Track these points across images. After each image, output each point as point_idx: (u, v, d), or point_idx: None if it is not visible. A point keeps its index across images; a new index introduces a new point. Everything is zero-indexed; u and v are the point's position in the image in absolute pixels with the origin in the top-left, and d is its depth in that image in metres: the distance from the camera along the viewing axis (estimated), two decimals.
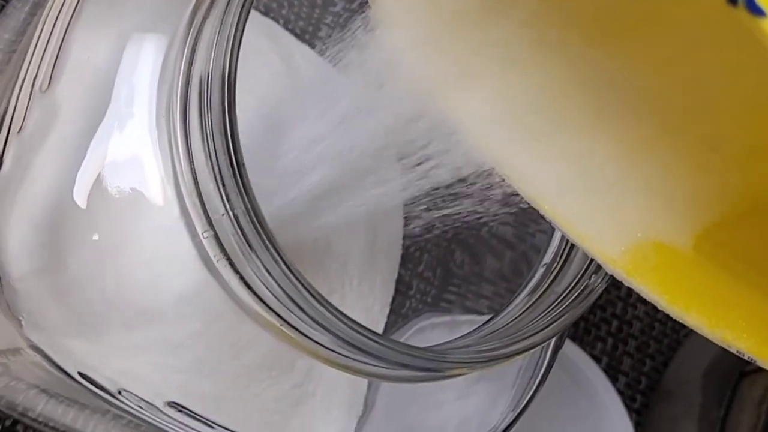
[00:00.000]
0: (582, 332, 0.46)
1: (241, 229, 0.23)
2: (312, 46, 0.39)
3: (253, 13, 0.37)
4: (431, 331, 0.38)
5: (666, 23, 0.24)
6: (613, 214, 0.26)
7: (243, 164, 0.24)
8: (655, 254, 0.25)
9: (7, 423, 0.36)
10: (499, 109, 0.26)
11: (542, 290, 0.28)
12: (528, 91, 0.26)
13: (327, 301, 0.24)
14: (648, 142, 0.25)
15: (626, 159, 0.26)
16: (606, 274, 0.27)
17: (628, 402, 0.47)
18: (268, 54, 0.36)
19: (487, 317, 0.34)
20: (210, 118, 0.24)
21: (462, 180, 0.28)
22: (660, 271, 0.25)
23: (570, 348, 0.44)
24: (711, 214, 0.26)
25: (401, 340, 0.38)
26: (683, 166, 0.25)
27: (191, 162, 0.24)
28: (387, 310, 0.38)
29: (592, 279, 0.28)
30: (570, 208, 0.26)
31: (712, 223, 0.26)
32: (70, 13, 0.27)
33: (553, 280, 0.28)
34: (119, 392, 0.26)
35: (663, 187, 0.26)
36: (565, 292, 0.28)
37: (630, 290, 0.47)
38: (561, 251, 0.29)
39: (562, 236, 0.29)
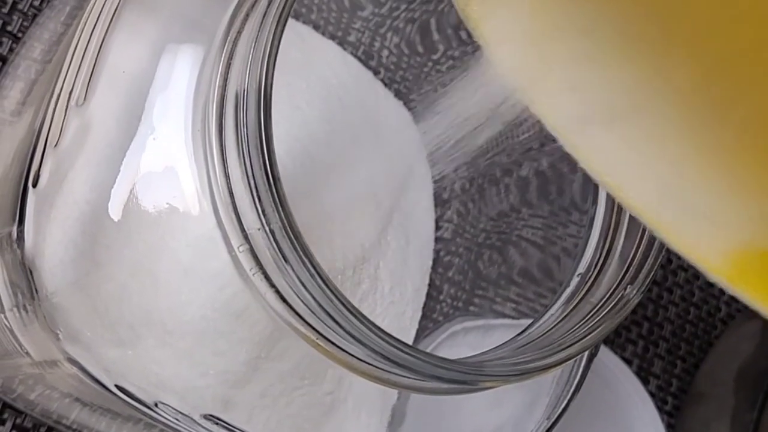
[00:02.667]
0: (613, 335, 0.46)
1: (277, 243, 0.23)
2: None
3: (290, 21, 0.37)
4: (464, 336, 0.38)
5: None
6: (715, 221, 0.25)
7: (279, 179, 0.24)
8: (759, 260, 0.25)
9: (42, 430, 0.36)
10: (590, 100, 0.25)
11: (577, 300, 0.28)
12: (622, 80, 0.25)
13: (362, 315, 0.24)
14: (748, 147, 0.25)
15: (729, 166, 0.25)
16: (642, 285, 0.27)
17: (660, 404, 0.46)
18: (303, 60, 0.36)
19: (520, 321, 0.34)
20: (246, 133, 0.24)
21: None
22: (764, 278, 0.25)
23: (601, 351, 0.44)
24: None
25: (433, 344, 0.38)
26: None
27: (227, 176, 0.24)
28: (419, 315, 0.38)
29: (628, 289, 0.28)
30: (671, 216, 0.25)
31: None
32: (107, 25, 0.27)
33: (588, 291, 0.28)
34: (156, 405, 0.26)
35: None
36: (601, 303, 0.28)
37: (661, 292, 0.47)
38: (596, 261, 0.28)
39: (597, 245, 0.29)
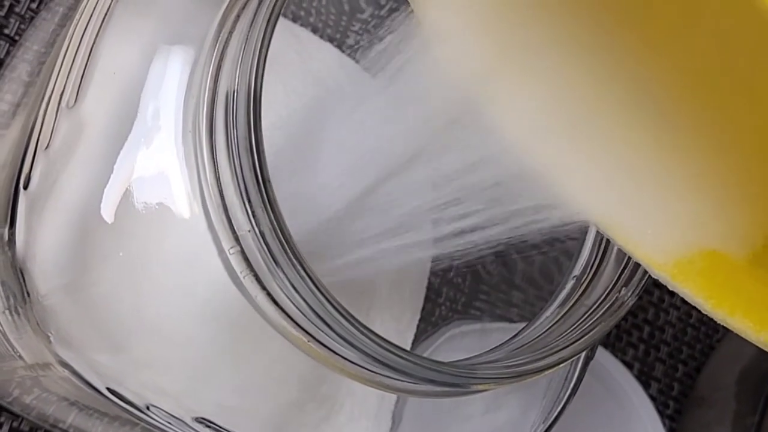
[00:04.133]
0: (614, 338, 0.46)
1: (267, 246, 0.23)
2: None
3: (283, 21, 0.37)
4: (461, 340, 0.38)
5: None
6: (665, 221, 0.25)
7: (269, 180, 0.23)
8: (702, 259, 0.25)
9: None
10: (545, 111, 0.25)
11: (572, 303, 0.28)
12: (576, 93, 0.25)
13: (354, 317, 0.24)
14: (707, 150, 0.25)
15: (683, 168, 0.25)
16: (637, 287, 0.27)
17: (661, 408, 0.46)
18: (299, 61, 0.36)
19: (517, 325, 0.34)
20: (236, 134, 0.23)
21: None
22: (707, 276, 0.25)
23: (601, 354, 0.44)
24: None
25: (431, 348, 0.38)
26: (746, 176, 0.25)
27: (217, 178, 0.24)
28: (417, 318, 0.38)
29: (623, 292, 0.27)
30: (619, 213, 0.25)
31: None
32: (98, 26, 0.26)
33: (582, 293, 0.28)
34: (147, 408, 0.26)
35: (723, 197, 0.25)
36: (595, 305, 0.27)
37: (662, 296, 0.47)
38: (591, 263, 0.28)
39: (592, 248, 0.29)
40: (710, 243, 0.25)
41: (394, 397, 0.33)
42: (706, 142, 0.25)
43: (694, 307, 0.48)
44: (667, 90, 0.25)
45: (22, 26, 0.37)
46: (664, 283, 0.25)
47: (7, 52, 0.37)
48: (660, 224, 0.25)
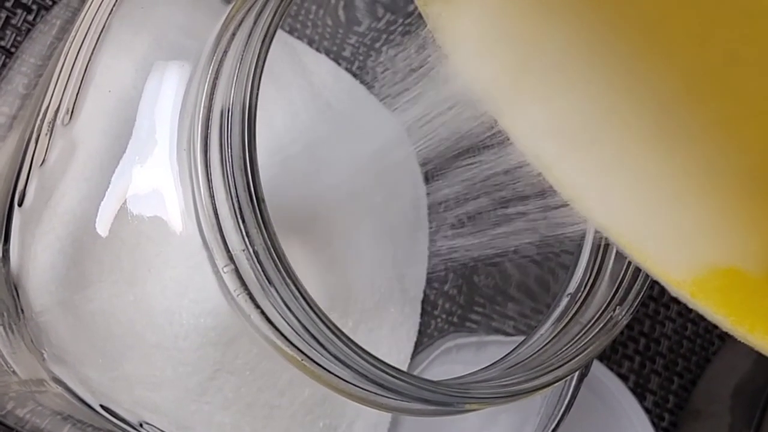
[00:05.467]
0: (609, 350, 0.46)
1: (261, 265, 0.23)
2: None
3: (279, 33, 0.37)
4: (457, 352, 0.38)
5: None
6: (682, 239, 0.25)
7: (263, 200, 0.23)
8: (721, 276, 0.25)
9: None
10: (564, 126, 0.25)
11: (566, 321, 0.28)
12: (596, 108, 0.25)
13: (346, 336, 0.24)
14: (724, 168, 0.25)
15: (701, 186, 0.25)
16: (631, 306, 0.27)
17: (656, 421, 0.46)
18: (295, 74, 0.36)
19: (513, 338, 0.34)
20: (230, 153, 0.23)
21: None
22: (726, 293, 0.25)
23: (596, 366, 0.44)
24: None
25: (426, 361, 0.38)
26: (763, 193, 0.25)
27: (212, 197, 0.24)
28: (414, 332, 0.38)
29: (617, 311, 0.27)
30: (637, 230, 0.25)
31: None
32: (94, 42, 0.26)
33: (577, 311, 0.28)
34: (141, 425, 0.26)
35: (741, 214, 0.25)
36: (590, 324, 0.27)
37: (658, 308, 0.47)
38: (586, 281, 0.28)
39: (587, 266, 0.29)
40: (728, 260, 0.25)
41: (389, 415, 0.33)
42: (724, 160, 0.25)
43: (690, 320, 0.48)
44: (685, 107, 0.25)
45: (19, 38, 0.37)
46: (684, 301, 0.25)
47: (4, 64, 0.37)
48: (678, 242, 0.25)
